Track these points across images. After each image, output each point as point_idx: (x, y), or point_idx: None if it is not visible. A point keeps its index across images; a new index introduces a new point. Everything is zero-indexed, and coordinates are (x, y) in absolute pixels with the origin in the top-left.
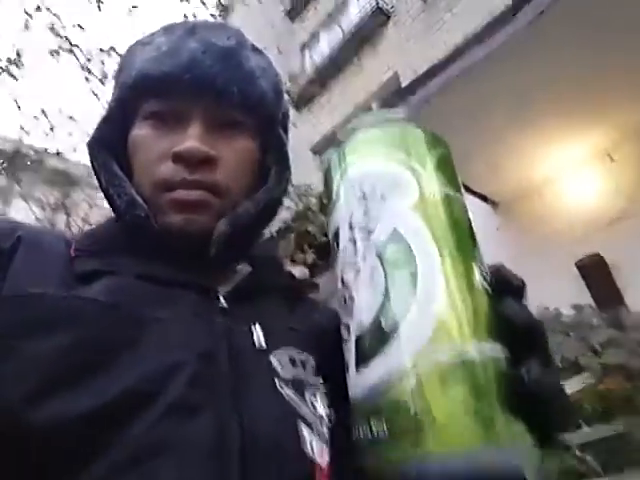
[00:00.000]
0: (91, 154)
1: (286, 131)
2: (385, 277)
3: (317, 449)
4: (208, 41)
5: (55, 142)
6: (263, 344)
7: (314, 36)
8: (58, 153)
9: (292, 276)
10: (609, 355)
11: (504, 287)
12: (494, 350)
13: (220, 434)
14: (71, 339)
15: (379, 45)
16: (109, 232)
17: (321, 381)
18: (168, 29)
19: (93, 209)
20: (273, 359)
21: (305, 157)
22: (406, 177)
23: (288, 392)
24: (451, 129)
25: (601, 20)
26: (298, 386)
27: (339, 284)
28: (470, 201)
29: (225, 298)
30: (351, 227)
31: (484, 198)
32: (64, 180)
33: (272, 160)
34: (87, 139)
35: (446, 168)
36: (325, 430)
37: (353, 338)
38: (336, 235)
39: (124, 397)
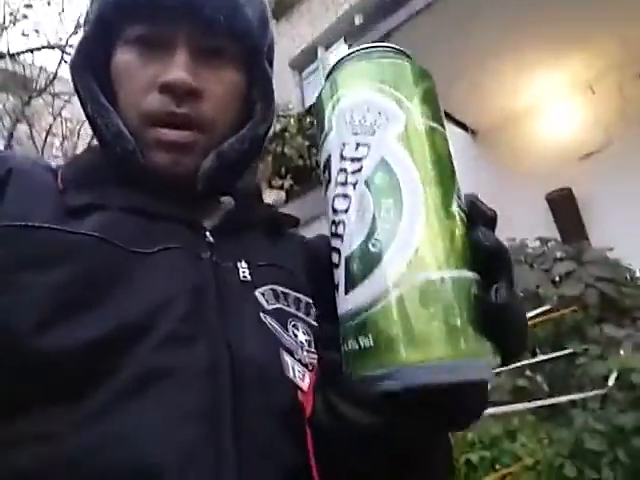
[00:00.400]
0: (74, 76)
1: (271, 64)
2: (373, 204)
3: (298, 373)
4: None
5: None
6: (248, 278)
7: None
8: (12, 55)
9: (273, 210)
10: (567, 287)
11: (478, 217)
12: (466, 274)
13: (213, 360)
14: (68, 273)
15: None
16: (95, 163)
17: (302, 311)
18: None
19: (57, 120)
20: (257, 293)
21: (283, 72)
22: (393, 109)
23: (271, 322)
24: (431, 52)
25: None
26: (280, 317)
27: (330, 212)
28: (450, 129)
29: (211, 233)
30: (342, 157)
31: (464, 126)
32: (21, 86)
33: (257, 94)
34: (44, 41)
35: (431, 101)
36: (305, 355)
37: (343, 261)
38: (327, 165)
39: (121, 330)
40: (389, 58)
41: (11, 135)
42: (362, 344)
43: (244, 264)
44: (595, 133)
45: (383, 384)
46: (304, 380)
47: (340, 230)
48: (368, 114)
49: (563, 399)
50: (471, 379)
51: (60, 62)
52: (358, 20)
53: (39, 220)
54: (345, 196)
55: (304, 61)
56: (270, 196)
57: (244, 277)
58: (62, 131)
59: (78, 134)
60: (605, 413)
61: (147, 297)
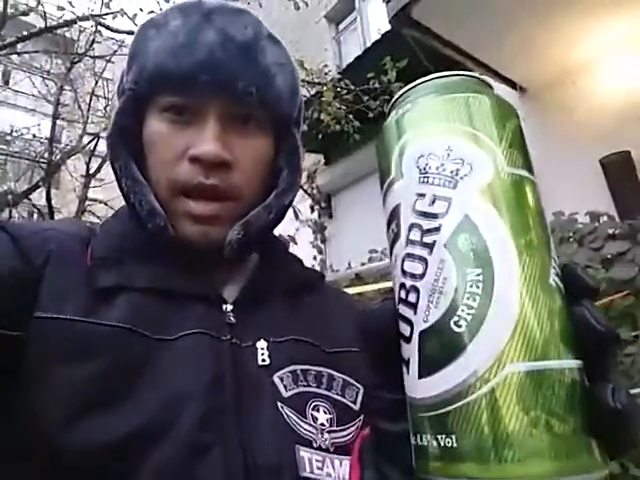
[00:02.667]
0: (112, 155)
1: (299, 127)
2: (456, 273)
3: (317, 463)
4: (226, 32)
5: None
6: (267, 361)
7: None
8: (49, 29)
9: (298, 268)
10: (618, 268)
11: (580, 291)
12: (571, 365)
13: (227, 470)
14: (97, 368)
15: None
16: (122, 236)
17: (324, 387)
18: (182, 10)
19: (99, 82)
20: (276, 378)
21: (319, 26)
22: (479, 156)
23: (288, 412)
24: (480, 4)
25: None
26: (298, 403)
27: (398, 273)
28: (496, 86)
29: (232, 309)
30: (415, 211)
31: (512, 83)
32: (63, 50)
33: (284, 161)
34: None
35: (521, 145)
36: (326, 437)
37: (416, 337)
38: (394, 216)
39: (138, 433)
40: (469, 92)
41: (58, 102)
42: (442, 443)
43: (263, 343)
44: None
45: None
46: (324, 466)
47: (412, 298)
48: (448, 162)
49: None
50: None
51: (96, 29)
52: None
53: (71, 308)
54: (420, 258)
55: (341, 12)
56: (308, 160)
57: (263, 361)
58: (105, 93)
59: None
60: None
61: (167, 392)
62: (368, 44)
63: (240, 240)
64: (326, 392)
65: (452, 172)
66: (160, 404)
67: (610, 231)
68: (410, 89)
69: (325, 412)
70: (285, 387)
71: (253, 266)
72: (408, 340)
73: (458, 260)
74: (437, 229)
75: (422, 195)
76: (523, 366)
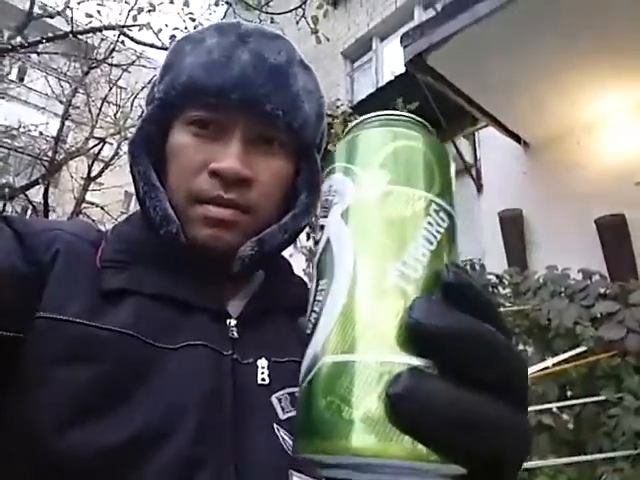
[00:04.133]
0: (132, 159)
1: (320, 150)
2: (315, 286)
3: None
4: (260, 54)
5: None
6: (267, 380)
7: None
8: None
9: (304, 284)
10: (607, 328)
11: (441, 285)
12: (387, 357)
13: None
14: (94, 372)
15: None
16: (137, 242)
17: None
18: (220, 29)
19: (113, 89)
20: (274, 399)
21: (336, 61)
22: (345, 184)
23: (284, 435)
24: (490, 61)
25: None
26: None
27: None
28: (503, 140)
29: (237, 324)
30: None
31: (517, 138)
32: (83, 55)
33: (303, 184)
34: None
35: (396, 162)
36: None
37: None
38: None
39: (131, 443)
40: (363, 129)
41: (69, 103)
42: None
43: (264, 362)
44: None
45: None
46: None
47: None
48: (329, 194)
49: (589, 457)
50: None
51: (118, 39)
52: (418, 14)
53: (74, 309)
54: (309, 276)
55: (357, 51)
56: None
57: (262, 380)
58: (117, 100)
59: (132, 105)
60: (636, 474)
61: (165, 402)
62: (381, 84)
63: (252, 257)
64: None
65: (329, 203)
66: (157, 414)
67: (601, 290)
68: (354, 123)
69: None
70: (282, 409)
71: (258, 283)
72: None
73: (317, 275)
74: (316, 253)
75: (317, 227)
76: (331, 358)
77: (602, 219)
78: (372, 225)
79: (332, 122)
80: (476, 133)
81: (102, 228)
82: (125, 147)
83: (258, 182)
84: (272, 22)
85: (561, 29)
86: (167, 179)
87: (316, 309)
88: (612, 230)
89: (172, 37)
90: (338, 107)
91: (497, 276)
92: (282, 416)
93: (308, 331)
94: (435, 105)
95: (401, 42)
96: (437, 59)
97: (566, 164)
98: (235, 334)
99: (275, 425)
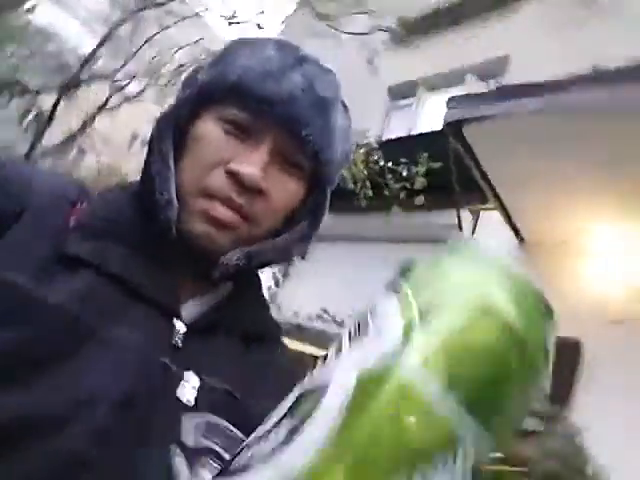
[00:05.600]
0: (157, 135)
1: (332, 186)
2: (280, 418)
3: None
4: (311, 82)
5: None
6: (192, 402)
7: None
8: None
9: (268, 308)
10: (524, 444)
11: None
12: None
13: None
14: (14, 339)
15: (515, 14)
16: (121, 215)
17: (229, 452)
18: (281, 47)
19: (158, 36)
20: (187, 423)
21: (379, 96)
22: (396, 337)
23: (178, 462)
24: (518, 152)
25: None
26: (195, 455)
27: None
28: (502, 229)
29: (184, 332)
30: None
31: (516, 232)
32: None
33: (307, 214)
34: None
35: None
36: None
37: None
38: (319, 384)
39: (26, 418)
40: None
41: (114, 27)
42: None
43: (196, 381)
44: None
45: None
46: None
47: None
48: (373, 321)
49: None
50: None
51: None
52: (469, 80)
53: (24, 268)
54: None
55: (401, 92)
56: None
57: (187, 401)
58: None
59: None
60: None
61: (70, 391)
62: (413, 131)
63: (237, 267)
64: (227, 455)
65: (359, 332)
66: (59, 400)
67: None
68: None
69: (210, 472)
70: (192, 434)
71: (224, 294)
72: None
73: (292, 409)
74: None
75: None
76: None
77: (560, 339)
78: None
79: (355, 150)
80: (481, 212)
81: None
82: (150, 90)
83: (269, 197)
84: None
85: (595, 155)
86: (180, 165)
87: (257, 447)
88: (564, 351)
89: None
90: (365, 137)
91: None
92: (189, 443)
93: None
94: (455, 171)
95: (447, 103)
96: (473, 131)
97: (551, 269)
98: (179, 342)
99: (177, 449)
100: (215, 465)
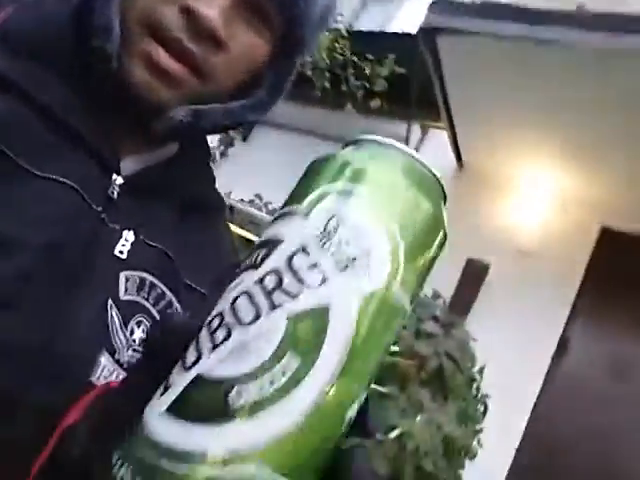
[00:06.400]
0: None
1: (303, 57)
2: (275, 352)
3: (106, 373)
4: None
5: None
6: (124, 254)
7: None
8: None
9: (214, 180)
10: (421, 344)
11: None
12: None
13: (20, 338)
14: None
15: None
16: (56, 30)
17: (157, 308)
18: None
19: None
20: (122, 276)
21: None
22: (385, 254)
23: (114, 315)
24: (482, 78)
25: None
26: (128, 311)
27: (227, 297)
28: (446, 151)
29: (121, 185)
30: (288, 260)
31: (459, 156)
32: None
33: (269, 80)
34: None
35: (423, 273)
36: (129, 354)
37: (192, 375)
38: (268, 244)
39: None
40: (411, 166)
41: None
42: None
43: (131, 235)
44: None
45: None
46: (109, 378)
47: (219, 338)
48: (354, 243)
49: None
50: None
51: None
52: None
53: None
54: (256, 308)
55: None
56: None
57: (120, 252)
58: None
59: None
60: None
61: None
62: (387, 29)
63: (181, 124)
64: (157, 314)
65: (350, 256)
66: None
67: (438, 312)
68: (384, 145)
69: (143, 332)
70: (126, 289)
71: (167, 155)
72: (185, 369)
73: (285, 340)
74: (292, 296)
75: (307, 253)
76: (243, 469)
77: (472, 261)
78: (374, 338)
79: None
80: (430, 130)
81: None
82: None
83: (228, 50)
84: None
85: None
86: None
87: (276, 383)
88: (474, 272)
89: None
90: (336, 22)
91: None
92: (122, 296)
93: (234, 404)
94: (416, 83)
95: (429, 7)
96: (446, 44)
97: (480, 201)
98: (115, 194)
99: (110, 301)
100: (148, 324)
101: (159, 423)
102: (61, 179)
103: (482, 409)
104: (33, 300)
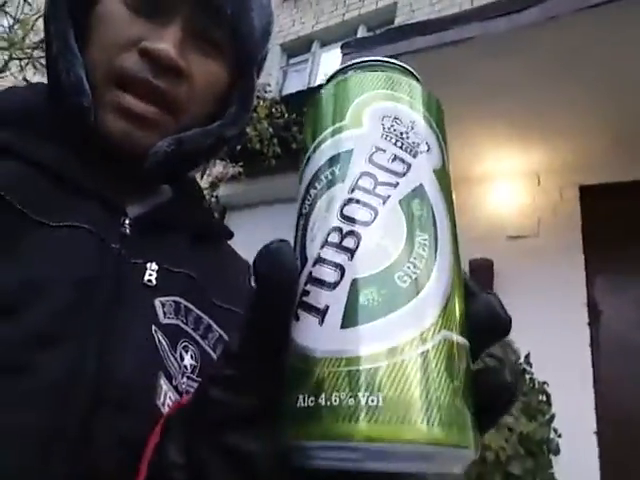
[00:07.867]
0: (50, 11)
1: (259, 73)
2: (407, 232)
3: (169, 401)
4: None
5: None
6: (153, 282)
7: None
8: None
9: (209, 215)
10: None
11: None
12: (466, 342)
13: (73, 372)
14: None
15: None
16: (31, 104)
17: (199, 333)
18: None
19: None
20: (157, 302)
21: (272, 51)
22: (435, 143)
23: (161, 339)
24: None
25: None
26: (173, 335)
27: (336, 215)
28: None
29: (131, 223)
30: (371, 161)
31: None
32: None
33: (236, 99)
34: None
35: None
36: (184, 382)
37: (348, 283)
38: (338, 159)
39: None
40: (416, 81)
41: None
42: (364, 401)
43: (154, 266)
44: (527, 218)
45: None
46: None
47: (351, 243)
48: (411, 133)
49: None
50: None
51: None
52: (361, 32)
53: None
54: (370, 207)
55: (296, 48)
56: (222, 169)
57: (149, 281)
58: (16, 12)
59: (32, 25)
60: None
61: (28, 274)
62: (313, 85)
63: (167, 154)
64: (200, 339)
65: (414, 143)
66: (16, 283)
67: None
68: (376, 60)
69: (192, 357)
70: (164, 313)
71: (165, 198)
72: (333, 286)
73: (409, 220)
74: (393, 185)
75: (383, 150)
76: (454, 336)
77: (475, 261)
78: (452, 204)
79: (258, 105)
80: None
81: None
82: (14, 68)
83: (191, 80)
84: None
85: (476, 92)
86: (87, 53)
87: (419, 264)
88: (481, 271)
89: None
90: (266, 92)
91: None
92: (162, 320)
93: (401, 282)
94: None
95: (342, 49)
96: None
97: (471, 192)
98: (127, 231)
99: (154, 327)
100: (194, 349)
101: (345, 343)
102: (75, 224)
103: (544, 398)
104: (72, 336)
